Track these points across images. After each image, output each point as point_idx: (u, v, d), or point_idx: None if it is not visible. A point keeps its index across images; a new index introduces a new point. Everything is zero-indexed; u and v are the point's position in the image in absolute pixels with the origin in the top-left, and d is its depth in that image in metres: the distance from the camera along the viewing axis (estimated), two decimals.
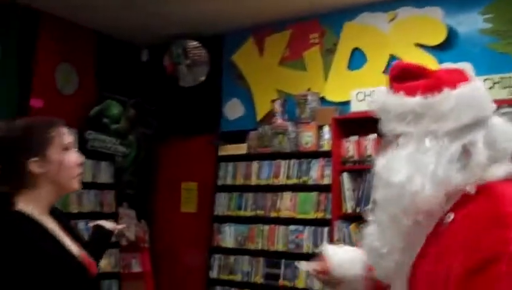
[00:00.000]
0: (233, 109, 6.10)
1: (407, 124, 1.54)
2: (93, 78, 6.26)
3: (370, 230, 1.61)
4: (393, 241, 1.53)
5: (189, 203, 6.39)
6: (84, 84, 6.14)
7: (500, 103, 3.78)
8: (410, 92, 1.54)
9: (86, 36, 6.20)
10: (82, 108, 5.97)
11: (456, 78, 1.54)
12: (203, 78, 6.34)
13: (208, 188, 6.00)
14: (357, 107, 5.05)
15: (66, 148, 2.13)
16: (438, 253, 1.44)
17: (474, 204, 1.43)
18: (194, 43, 6.38)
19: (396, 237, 1.53)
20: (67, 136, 2.15)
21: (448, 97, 1.49)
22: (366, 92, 5.01)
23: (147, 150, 6.57)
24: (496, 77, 4.49)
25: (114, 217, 5.94)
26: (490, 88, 4.42)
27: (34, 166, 2.05)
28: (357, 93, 5.06)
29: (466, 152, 1.47)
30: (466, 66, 4.54)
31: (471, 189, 1.44)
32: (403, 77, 1.60)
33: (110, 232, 2.63)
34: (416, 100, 1.52)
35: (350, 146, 4.94)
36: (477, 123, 1.49)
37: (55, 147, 2.10)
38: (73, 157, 2.15)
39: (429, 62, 4.89)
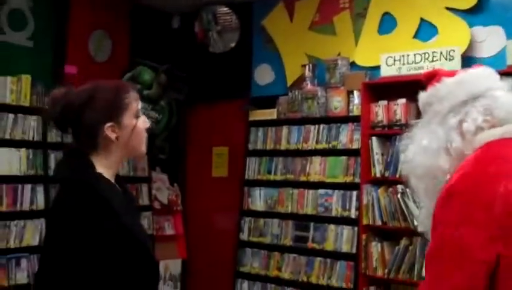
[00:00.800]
0: (263, 74, 6.14)
1: (425, 114, 2.01)
2: (126, 45, 6.35)
3: (419, 207, 2.13)
4: (429, 211, 1.87)
5: (220, 168, 6.50)
6: (117, 51, 6.24)
7: None
8: (425, 90, 2.03)
9: (119, 3, 6.26)
10: (115, 74, 6.06)
11: (457, 71, 2.00)
12: (233, 44, 6.38)
13: (239, 152, 6.08)
14: (387, 71, 5.03)
15: (137, 114, 2.13)
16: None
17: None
18: (224, 9, 6.41)
19: (430, 207, 1.86)
20: (139, 101, 2.15)
21: (445, 83, 1.94)
22: (396, 56, 4.99)
23: (179, 115, 6.67)
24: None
25: (147, 181, 6.08)
26: None
27: (109, 131, 2.04)
28: (387, 58, 5.04)
29: (463, 122, 1.86)
30: (497, 30, 4.61)
31: (467, 151, 1.82)
32: (427, 80, 2.06)
33: None
34: (426, 93, 2.01)
35: (379, 111, 4.95)
36: (475, 97, 1.88)
37: (129, 113, 2.08)
38: (143, 123, 2.14)
39: (460, 26, 4.86)
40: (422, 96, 2.02)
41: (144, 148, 2.17)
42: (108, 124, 2.05)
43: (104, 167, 2.08)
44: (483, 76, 1.95)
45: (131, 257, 2.03)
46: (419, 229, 2.03)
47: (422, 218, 1.99)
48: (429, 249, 1.72)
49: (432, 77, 2.02)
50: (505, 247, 1.58)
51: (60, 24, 5.74)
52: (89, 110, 2.04)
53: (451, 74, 1.98)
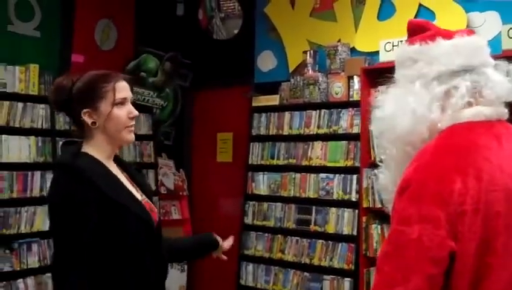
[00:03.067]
0: (266, 61, 6.22)
1: (405, 69, 1.82)
2: (131, 33, 6.46)
3: (380, 170, 1.91)
4: (395, 178, 1.76)
5: (225, 153, 6.62)
6: (122, 39, 6.36)
7: None
8: (412, 42, 1.83)
9: None
10: (120, 63, 6.19)
11: (454, 33, 1.79)
12: (236, 31, 6.49)
13: (243, 138, 6.18)
14: (386, 57, 5.10)
15: (120, 103, 2.27)
16: None
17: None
18: None
19: (397, 173, 1.77)
20: (122, 91, 2.29)
21: (439, 45, 1.76)
22: (394, 42, 5.07)
23: (184, 102, 6.79)
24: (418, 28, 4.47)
25: (153, 167, 6.21)
26: None
27: (86, 116, 2.24)
28: (386, 44, 5.13)
29: (448, 95, 1.73)
30: (493, 16, 4.65)
31: (441, 127, 1.72)
32: (413, 31, 1.87)
33: (215, 244, 2.93)
34: (414, 47, 1.80)
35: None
36: (466, 70, 1.72)
37: (107, 100, 2.25)
38: (124, 111, 2.28)
39: (457, 12, 4.94)
40: (408, 49, 1.83)
41: (125, 135, 2.31)
42: (85, 110, 2.24)
43: (94, 150, 2.26)
44: (480, 47, 1.78)
45: (119, 220, 2.19)
46: (383, 196, 1.89)
47: (384, 184, 1.87)
48: (384, 246, 1.63)
49: (422, 28, 1.84)
50: (456, 243, 1.55)
51: (66, 14, 5.84)
52: (72, 97, 2.25)
53: (446, 33, 1.79)
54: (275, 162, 5.77)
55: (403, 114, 1.74)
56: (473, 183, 1.57)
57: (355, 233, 5.08)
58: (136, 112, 2.33)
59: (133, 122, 2.32)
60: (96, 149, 2.27)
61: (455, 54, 1.73)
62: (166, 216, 6.26)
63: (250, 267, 5.81)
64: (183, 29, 6.82)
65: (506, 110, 1.77)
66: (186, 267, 6.41)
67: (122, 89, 2.30)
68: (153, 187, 6.12)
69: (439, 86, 1.73)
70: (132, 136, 2.34)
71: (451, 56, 1.73)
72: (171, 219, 6.33)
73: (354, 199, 5.14)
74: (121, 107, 2.28)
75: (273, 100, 5.84)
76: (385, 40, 5.13)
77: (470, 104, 1.71)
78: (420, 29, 1.84)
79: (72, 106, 2.26)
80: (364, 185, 4.96)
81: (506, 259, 1.57)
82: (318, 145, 5.46)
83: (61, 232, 2.15)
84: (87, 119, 2.25)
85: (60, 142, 5.20)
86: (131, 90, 2.37)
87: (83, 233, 2.11)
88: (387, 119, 1.81)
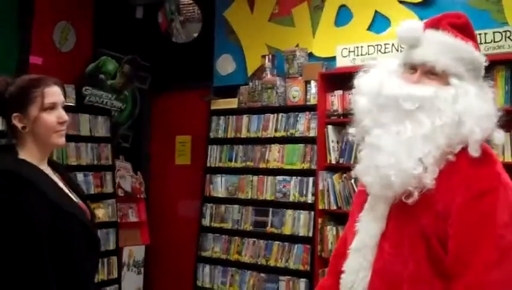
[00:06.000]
0: (225, 65, 6.27)
1: (469, 69, 1.87)
2: (90, 36, 6.44)
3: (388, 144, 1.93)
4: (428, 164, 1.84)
5: (183, 156, 6.65)
6: (81, 41, 6.34)
7: None
8: (475, 45, 1.90)
9: None
10: (79, 65, 6.17)
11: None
12: (196, 35, 6.52)
13: (201, 141, 6.22)
14: (342, 62, 5.21)
15: (49, 108, 2.26)
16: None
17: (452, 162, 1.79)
18: (187, 0, 6.53)
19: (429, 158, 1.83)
20: (52, 96, 2.28)
21: (481, 55, 1.90)
22: (350, 48, 5.18)
23: (142, 104, 6.80)
24: (475, 33, 4.62)
25: (111, 169, 6.20)
26: None
27: (16, 120, 2.24)
28: (342, 49, 5.23)
29: None
30: None
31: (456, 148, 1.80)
32: (462, 30, 1.91)
33: None
34: (476, 53, 1.89)
35: (335, 100, 5.13)
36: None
37: (36, 105, 2.24)
38: (53, 116, 2.27)
39: (411, 19, 5.06)
40: (471, 50, 1.88)
41: (55, 139, 2.30)
42: (15, 114, 2.24)
43: (28, 154, 2.26)
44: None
45: (64, 227, 2.20)
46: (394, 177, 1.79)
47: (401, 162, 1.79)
48: (482, 256, 1.69)
49: (468, 28, 1.92)
50: None
51: (24, 16, 5.79)
52: (3, 101, 2.25)
53: (477, 43, 1.92)
54: (232, 164, 5.82)
55: (470, 114, 1.77)
56: None
57: (311, 235, 5.16)
58: (65, 117, 2.32)
59: (64, 127, 2.31)
60: (29, 154, 2.26)
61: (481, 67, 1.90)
62: (124, 219, 6.25)
63: (207, 268, 5.85)
64: (143, 32, 6.81)
65: None
66: (142, 269, 6.40)
67: (52, 94, 2.29)
68: (111, 189, 6.12)
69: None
70: (63, 140, 2.33)
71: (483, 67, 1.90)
72: (129, 221, 6.31)
73: (310, 201, 5.22)
74: (50, 112, 2.27)
75: (232, 103, 5.90)
76: (342, 46, 5.23)
77: None
78: (467, 29, 1.93)
79: (5, 110, 2.26)
80: (320, 187, 5.04)
81: None
82: (275, 148, 5.54)
83: (12, 245, 2.09)
84: (18, 124, 2.24)
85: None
86: (64, 95, 2.36)
87: (41, 242, 2.10)
88: (455, 113, 1.79)
